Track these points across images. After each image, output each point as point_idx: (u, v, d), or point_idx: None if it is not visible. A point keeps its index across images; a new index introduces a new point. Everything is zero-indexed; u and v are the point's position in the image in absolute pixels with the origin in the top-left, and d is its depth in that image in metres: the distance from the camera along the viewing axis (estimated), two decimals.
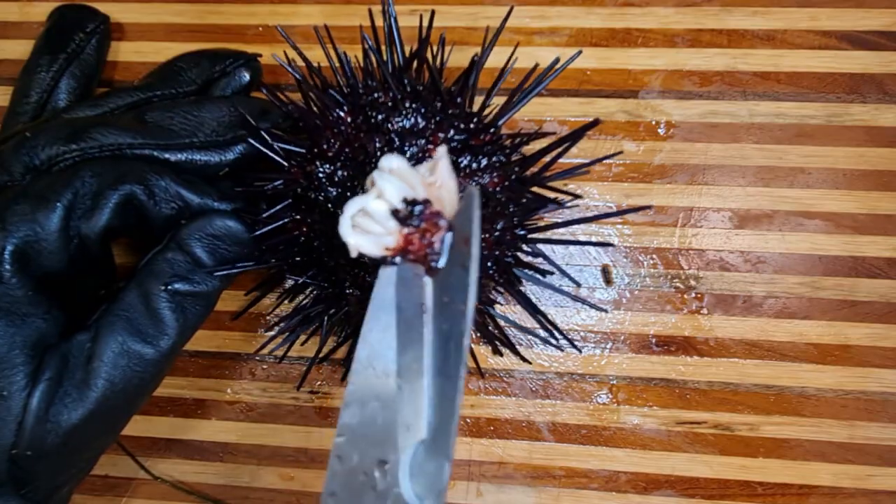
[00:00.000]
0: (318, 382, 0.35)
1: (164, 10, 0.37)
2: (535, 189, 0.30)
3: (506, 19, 0.30)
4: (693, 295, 0.34)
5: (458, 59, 0.35)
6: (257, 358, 0.36)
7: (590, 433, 0.34)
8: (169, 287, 0.26)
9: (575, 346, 0.34)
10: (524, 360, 0.33)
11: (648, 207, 0.34)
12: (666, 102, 0.35)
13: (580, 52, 0.30)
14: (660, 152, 0.35)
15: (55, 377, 0.25)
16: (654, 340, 0.34)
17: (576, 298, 0.32)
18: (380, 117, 0.27)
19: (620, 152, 0.35)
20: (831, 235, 0.34)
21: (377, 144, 0.27)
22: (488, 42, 0.29)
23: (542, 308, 0.34)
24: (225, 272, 0.28)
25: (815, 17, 0.35)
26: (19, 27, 0.38)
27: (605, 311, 0.34)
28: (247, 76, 0.32)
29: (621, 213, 0.34)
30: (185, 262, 0.27)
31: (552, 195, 0.29)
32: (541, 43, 0.35)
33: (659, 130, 0.35)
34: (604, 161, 0.35)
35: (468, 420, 0.35)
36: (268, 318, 0.36)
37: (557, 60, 0.29)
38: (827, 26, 0.34)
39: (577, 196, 0.30)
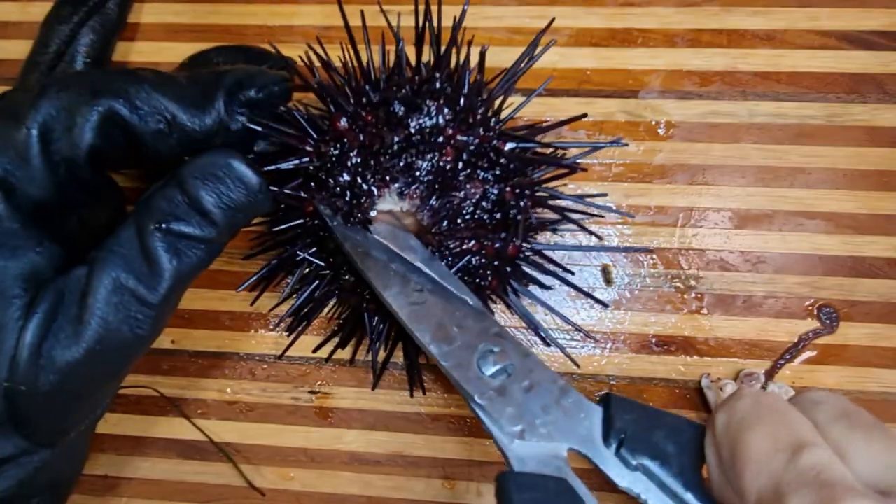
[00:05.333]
0: (318, 383, 0.35)
1: (164, 10, 0.37)
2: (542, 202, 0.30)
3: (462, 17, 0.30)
4: (693, 295, 0.34)
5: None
6: (257, 357, 0.36)
7: None
8: (163, 226, 0.24)
9: (589, 336, 0.34)
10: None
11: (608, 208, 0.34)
12: (666, 102, 0.35)
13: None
14: (660, 152, 0.35)
15: (50, 311, 0.23)
16: (654, 340, 0.34)
17: (579, 290, 0.32)
18: (401, 112, 0.27)
19: (625, 144, 0.34)
20: (831, 235, 0.34)
21: (396, 138, 0.27)
22: (524, 52, 0.29)
23: (543, 309, 0.35)
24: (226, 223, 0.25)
25: (815, 17, 0.35)
26: (19, 27, 0.38)
27: (606, 305, 0.34)
28: (276, 88, 0.29)
29: (622, 249, 0.34)
30: (183, 203, 0.25)
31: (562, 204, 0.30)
32: (541, 43, 0.35)
33: (659, 130, 0.35)
34: (605, 158, 0.35)
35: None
36: (269, 313, 0.36)
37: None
38: (827, 26, 0.34)
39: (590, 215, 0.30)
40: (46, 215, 0.25)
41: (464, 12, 0.29)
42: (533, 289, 0.32)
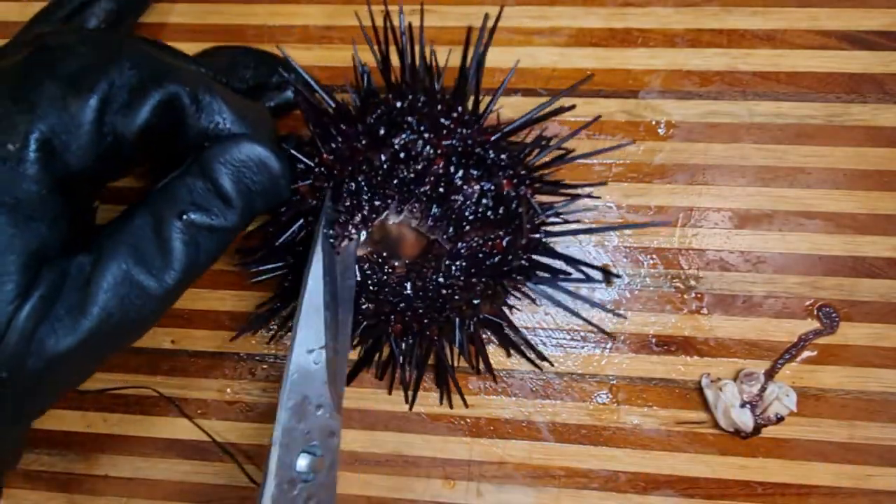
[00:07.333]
0: None
1: (164, 10, 0.37)
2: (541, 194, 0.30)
3: (496, 22, 0.30)
4: (693, 295, 0.34)
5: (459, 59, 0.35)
6: (257, 358, 0.36)
7: (590, 433, 0.34)
8: (184, 216, 0.24)
9: (612, 274, 0.34)
10: (544, 359, 0.33)
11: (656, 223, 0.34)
12: (666, 102, 0.35)
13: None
14: (660, 152, 0.35)
15: (48, 296, 0.22)
16: (654, 340, 0.34)
17: (590, 302, 0.32)
18: (382, 131, 0.27)
19: (596, 118, 0.34)
20: (831, 235, 0.34)
21: (382, 157, 0.27)
22: (483, 45, 0.29)
23: (541, 308, 0.35)
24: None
25: (815, 17, 0.35)
26: (19, 27, 0.37)
27: (625, 317, 0.34)
28: (292, 95, 0.31)
29: (630, 226, 0.34)
30: (205, 190, 0.24)
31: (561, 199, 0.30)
32: (541, 43, 0.35)
33: (659, 130, 0.35)
34: (605, 158, 0.35)
35: (468, 420, 0.35)
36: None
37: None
38: (827, 26, 0.34)
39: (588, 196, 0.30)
40: (72, 188, 0.24)
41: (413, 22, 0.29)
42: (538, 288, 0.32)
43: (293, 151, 0.28)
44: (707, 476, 0.34)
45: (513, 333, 0.32)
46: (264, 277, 0.32)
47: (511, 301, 0.33)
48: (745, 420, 0.32)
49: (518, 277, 0.30)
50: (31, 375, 0.22)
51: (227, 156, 0.24)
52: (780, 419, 0.32)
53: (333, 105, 0.29)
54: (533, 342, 0.35)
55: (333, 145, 0.28)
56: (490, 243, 0.28)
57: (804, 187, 0.34)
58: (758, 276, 0.34)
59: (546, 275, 0.31)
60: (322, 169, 0.28)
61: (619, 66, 0.35)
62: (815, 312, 0.34)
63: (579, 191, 0.31)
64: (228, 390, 0.36)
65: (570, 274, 0.31)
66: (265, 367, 0.36)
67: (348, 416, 0.35)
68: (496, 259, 0.28)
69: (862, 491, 0.33)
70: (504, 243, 0.28)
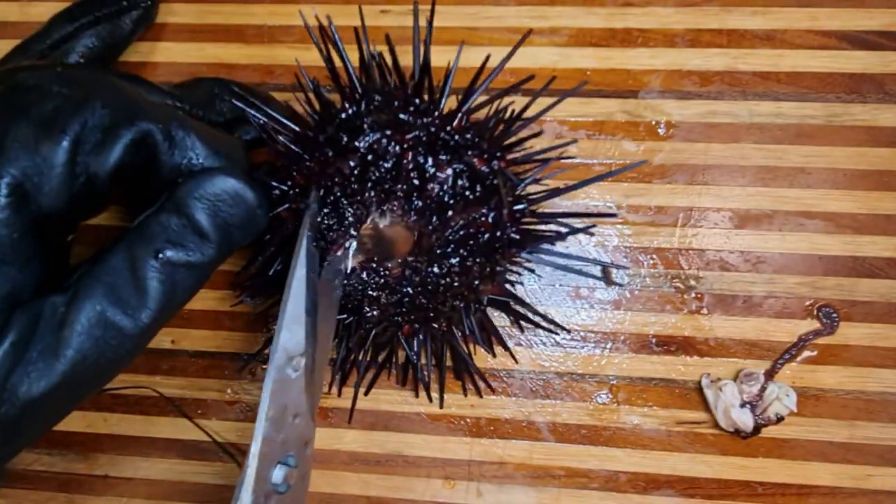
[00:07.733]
0: None
1: (163, 10, 0.37)
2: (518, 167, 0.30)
3: (432, 13, 0.29)
4: (693, 295, 0.34)
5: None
6: (257, 358, 0.36)
7: (590, 433, 0.34)
8: (160, 255, 0.23)
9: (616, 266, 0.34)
10: (559, 327, 0.33)
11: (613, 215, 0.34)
12: (666, 102, 0.35)
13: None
14: (660, 152, 0.35)
15: (21, 341, 0.22)
16: (654, 340, 0.34)
17: (591, 275, 0.32)
18: (345, 139, 0.27)
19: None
20: (831, 235, 0.34)
21: (351, 164, 0.27)
22: (424, 39, 0.29)
23: (541, 308, 0.35)
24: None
25: (815, 17, 0.34)
26: (19, 27, 0.38)
27: (621, 284, 0.34)
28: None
29: (617, 172, 0.33)
30: (180, 226, 0.24)
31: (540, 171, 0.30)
32: (541, 43, 0.35)
33: (659, 130, 0.35)
34: (605, 158, 0.35)
35: (468, 420, 0.35)
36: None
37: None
38: (827, 26, 0.34)
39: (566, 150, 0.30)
40: (45, 230, 0.24)
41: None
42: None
43: (266, 179, 0.28)
44: (707, 476, 0.34)
45: (521, 308, 0.32)
46: (266, 307, 0.33)
47: (511, 276, 0.32)
48: (745, 420, 0.32)
49: (512, 250, 0.30)
50: (5, 422, 0.22)
51: (201, 190, 0.24)
52: (780, 419, 0.32)
53: (293, 127, 0.29)
54: (533, 342, 0.35)
55: (302, 164, 0.28)
56: (476, 223, 0.28)
57: (804, 187, 0.34)
58: (758, 276, 0.34)
59: (542, 245, 0.30)
60: (297, 190, 0.28)
61: (619, 66, 0.35)
62: (815, 312, 0.34)
63: (550, 154, 0.31)
64: (228, 390, 0.36)
65: (561, 234, 0.30)
66: (265, 367, 0.36)
67: (348, 416, 0.35)
68: (486, 237, 0.28)
69: (862, 491, 0.33)
70: (490, 220, 0.28)
